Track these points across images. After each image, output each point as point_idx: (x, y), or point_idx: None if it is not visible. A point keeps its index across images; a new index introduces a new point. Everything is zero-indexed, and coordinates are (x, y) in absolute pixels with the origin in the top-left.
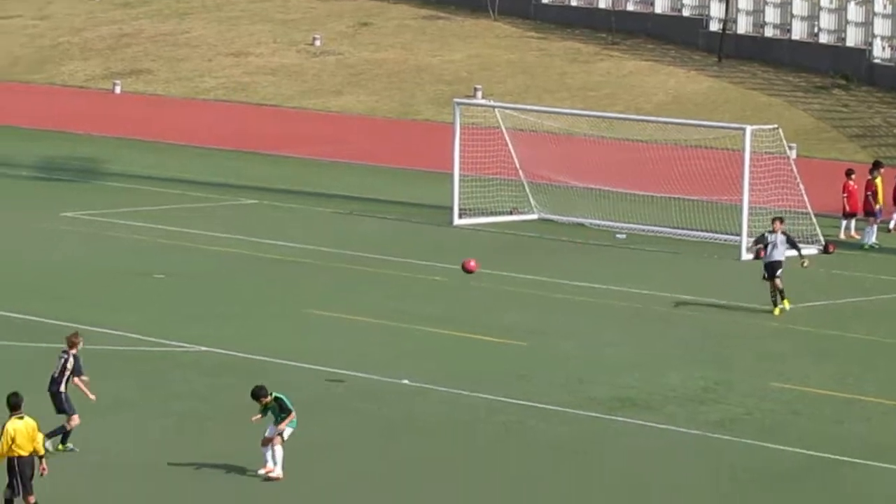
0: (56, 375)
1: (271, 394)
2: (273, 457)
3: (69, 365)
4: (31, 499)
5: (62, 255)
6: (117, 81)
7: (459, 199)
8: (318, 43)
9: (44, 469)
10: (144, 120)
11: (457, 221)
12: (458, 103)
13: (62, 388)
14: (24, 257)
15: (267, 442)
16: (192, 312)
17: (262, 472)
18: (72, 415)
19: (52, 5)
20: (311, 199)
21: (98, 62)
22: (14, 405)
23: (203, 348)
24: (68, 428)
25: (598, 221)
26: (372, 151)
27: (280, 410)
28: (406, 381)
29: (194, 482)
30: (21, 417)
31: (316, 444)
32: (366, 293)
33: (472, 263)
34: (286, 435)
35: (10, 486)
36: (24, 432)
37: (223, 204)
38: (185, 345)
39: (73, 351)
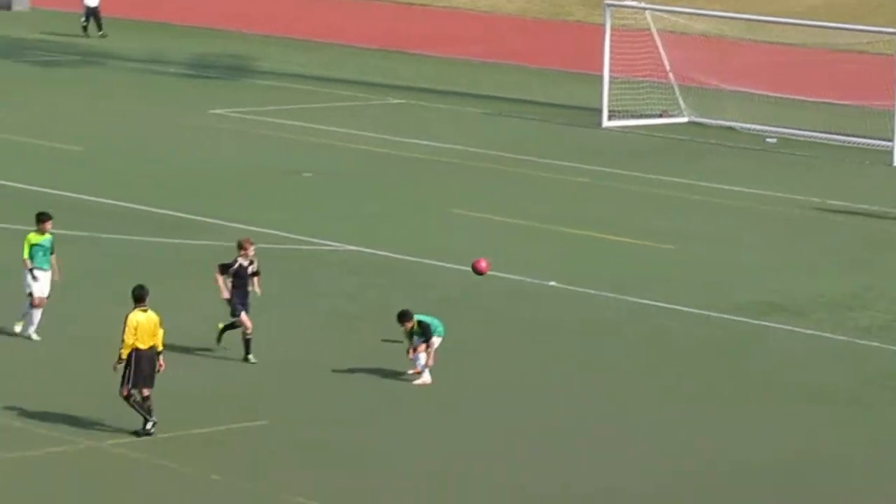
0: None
1: (414, 317)
2: (421, 364)
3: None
4: (146, 391)
5: (211, 152)
6: None
7: (609, 100)
8: None
9: (161, 365)
10: (295, 18)
11: (606, 123)
12: (609, 5)
13: (227, 292)
14: (172, 155)
15: (414, 351)
16: (339, 212)
17: (411, 372)
18: (239, 315)
19: None
20: (459, 98)
21: None
22: (138, 297)
23: (350, 247)
24: (246, 333)
25: (747, 125)
26: (522, 52)
27: (423, 335)
28: (553, 283)
29: (342, 382)
30: (145, 310)
31: (462, 345)
32: (513, 194)
33: (483, 264)
34: (435, 345)
35: (124, 377)
36: (147, 326)
37: (371, 103)
38: (333, 244)
39: (241, 254)
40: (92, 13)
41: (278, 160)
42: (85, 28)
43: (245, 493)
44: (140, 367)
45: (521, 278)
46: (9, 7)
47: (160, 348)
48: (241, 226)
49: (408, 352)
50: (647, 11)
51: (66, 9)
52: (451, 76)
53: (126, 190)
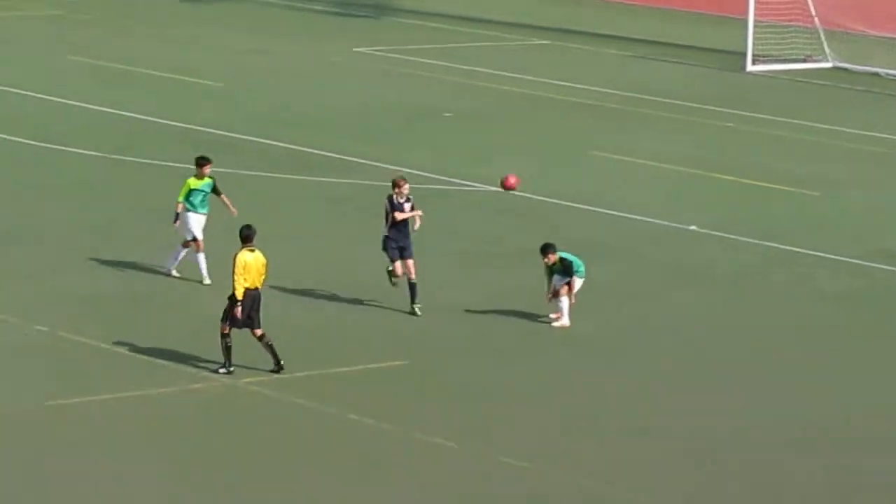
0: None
1: (557, 252)
2: (561, 306)
3: (387, 208)
4: (258, 332)
5: (353, 91)
6: None
7: (753, 44)
8: None
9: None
10: None
11: (750, 67)
12: None
13: (384, 232)
14: (316, 93)
15: (556, 294)
16: (479, 152)
17: (553, 316)
18: (394, 260)
19: None
20: (601, 41)
21: None
22: (245, 237)
23: (491, 188)
24: (393, 274)
25: (893, 71)
26: None
27: (564, 273)
28: (694, 228)
29: (481, 323)
30: (252, 250)
31: (602, 287)
32: (655, 138)
33: (512, 180)
34: (576, 286)
35: (225, 315)
36: (254, 265)
37: (514, 44)
38: (473, 184)
39: (395, 192)
40: None
41: (420, 99)
42: None
43: (382, 433)
44: (244, 306)
45: (663, 222)
46: None
47: (260, 286)
48: (382, 164)
49: (547, 293)
50: None
51: None
52: (594, 18)
53: (267, 127)
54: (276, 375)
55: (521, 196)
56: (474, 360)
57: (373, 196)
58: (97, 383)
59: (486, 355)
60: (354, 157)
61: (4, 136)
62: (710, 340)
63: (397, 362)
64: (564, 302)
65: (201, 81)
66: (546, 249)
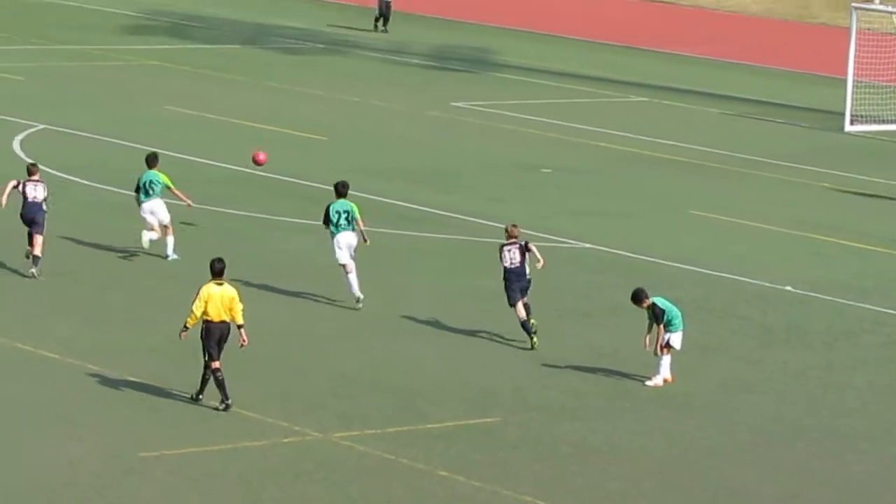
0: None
1: (650, 298)
2: (658, 363)
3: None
4: (214, 364)
5: (451, 144)
6: None
7: (852, 104)
8: None
9: (244, 341)
10: (537, 12)
11: (848, 128)
12: (856, 7)
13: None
14: (414, 146)
15: (662, 350)
16: (575, 208)
17: (650, 383)
18: (515, 304)
19: None
20: (700, 98)
21: None
22: (216, 271)
23: (586, 245)
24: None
25: None
26: (765, 53)
27: (654, 319)
28: (789, 288)
29: (575, 377)
30: (220, 284)
31: (698, 347)
32: (751, 196)
33: (262, 156)
34: (675, 342)
35: (203, 349)
36: (220, 299)
37: (613, 100)
38: (569, 240)
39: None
40: (384, 6)
41: (517, 154)
42: (381, 19)
43: (473, 491)
44: (207, 339)
45: (759, 282)
46: None
47: (239, 322)
48: (478, 219)
49: (646, 343)
50: (894, 15)
51: None
52: (694, 75)
53: (364, 180)
54: (368, 431)
55: (618, 253)
56: (568, 418)
57: (467, 250)
58: (189, 435)
59: (580, 412)
60: (450, 211)
61: (98, 185)
62: (805, 401)
63: (490, 419)
64: (663, 360)
65: (298, 133)
66: (637, 296)
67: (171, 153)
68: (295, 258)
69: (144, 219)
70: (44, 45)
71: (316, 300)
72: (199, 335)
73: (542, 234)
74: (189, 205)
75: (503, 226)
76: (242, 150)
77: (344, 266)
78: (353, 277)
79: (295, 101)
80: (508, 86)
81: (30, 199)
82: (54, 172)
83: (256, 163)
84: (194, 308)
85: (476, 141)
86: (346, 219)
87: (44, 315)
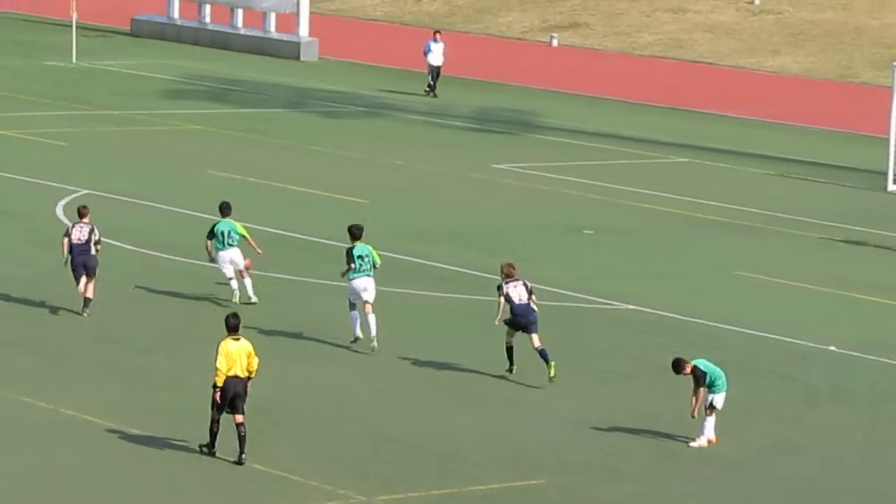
0: None
1: (690, 362)
2: (702, 424)
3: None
4: (239, 418)
5: (492, 206)
6: (554, 34)
7: (894, 164)
8: (757, 1)
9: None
10: (579, 73)
11: (891, 187)
12: None
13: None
14: (455, 207)
15: (710, 407)
16: (619, 269)
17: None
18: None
19: None
20: (743, 158)
21: (536, 14)
22: (231, 327)
23: (630, 306)
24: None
25: None
26: (807, 113)
27: (696, 379)
28: (833, 348)
29: (619, 439)
30: (237, 339)
31: (741, 407)
32: (794, 256)
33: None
34: (718, 402)
35: (213, 404)
36: (237, 354)
37: (654, 161)
38: (612, 302)
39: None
40: (435, 71)
41: (560, 216)
42: (431, 88)
43: None
44: (224, 394)
45: (802, 342)
46: (297, 57)
47: (252, 374)
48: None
49: (693, 406)
50: None
51: (353, 59)
52: (736, 135)
53: (405, 243)
54: (412, 494)
55: (662, 314)
56: (611, 479)
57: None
58: (233, 498)
59: (624, 474)
60: (492, 273)
61: (140, 250)
62: (850, 463)
63: (534, 481)
64: (707, 421)
65: (340, 196)
66: (676, 365)
67: (213, 217)
68: (334, 320)
69: (222, 268)
70: (85, 111)
71: (356, 361)
72: (212, 386)
73: (584, 296)
74: (259, 253)
75: (546, 288)
76: (285, 214)
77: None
78: (372, 318)
79: (337, 164)
80: (550, 147)
81: (75, 241)
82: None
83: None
84: (218, 364)
85: (517, 203)
86: (370, 263)
87: (87, 379)
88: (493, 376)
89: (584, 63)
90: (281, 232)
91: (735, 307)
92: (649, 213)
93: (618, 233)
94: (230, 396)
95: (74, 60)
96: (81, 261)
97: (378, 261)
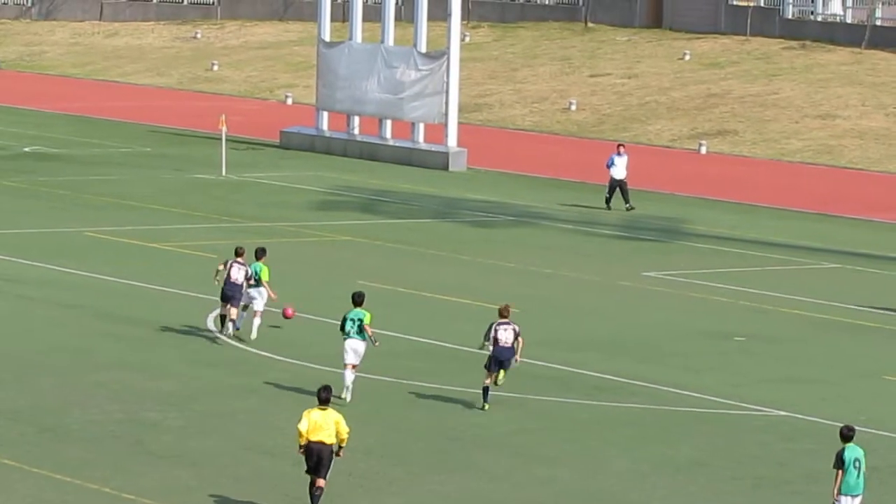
0: None
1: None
2: None
3: None
4: (320, 482)
5: (642, 314)
6: (703, 142)
7: None
8: None
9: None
10: (729, 181)
11: None
12: None
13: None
14: (605, 316)
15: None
16: (770, 376)
17: None
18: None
19: (641, 64)
20: (893, 264)
21: (684, 122)
22: (322, 399)
23: (780, 412)
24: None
25: None
26: None
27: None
28: None
29: None
30: (324, 409)
31: None
32: None
33: (290, 311)
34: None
35: (307, 467)
36: (321, 422)
37: (805, 267)
38: (763, 408)
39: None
40: (618, 184)
41: (711, 323)
42: (608, 200)
43: None
44: (306, 457)
45: None
46: (446, 167)
47: (342, 444)
48: (670, 389)
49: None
50: None
51: (502, 169)
52: (886, 241)
53: (555, 351)
54: None
55: (811, 420)
56: None
57: (659, 419)
58: None
59: None
60: (642, 381)
61: (291, 360)
62: None
63: None
64: None
65: (491, 306)
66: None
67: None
68: (494, 431)
69: (249, 294)
70: (235, 223)
71: (501, 481)
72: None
73: (735, 402)
74: (273, 297)
75: (697, 395)
76: (436, 324)
77: (348, 365)
78: (350, 375)
79: (486, 273)
80: (700, 255)
81: (232, 279)
82: (251, 350)
83: (285, 316)
84: (300, 428)
85: (667, 310)
86: (358, 327)
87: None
88: (645, 485)
89: (733, 170)
90: (432, 342)
91: (886, 412)
92: (799, 319)
93: (768, 339)
94: (315, 460)
95: (224, 173)
96: (231, 295)
97: (368, 323)
